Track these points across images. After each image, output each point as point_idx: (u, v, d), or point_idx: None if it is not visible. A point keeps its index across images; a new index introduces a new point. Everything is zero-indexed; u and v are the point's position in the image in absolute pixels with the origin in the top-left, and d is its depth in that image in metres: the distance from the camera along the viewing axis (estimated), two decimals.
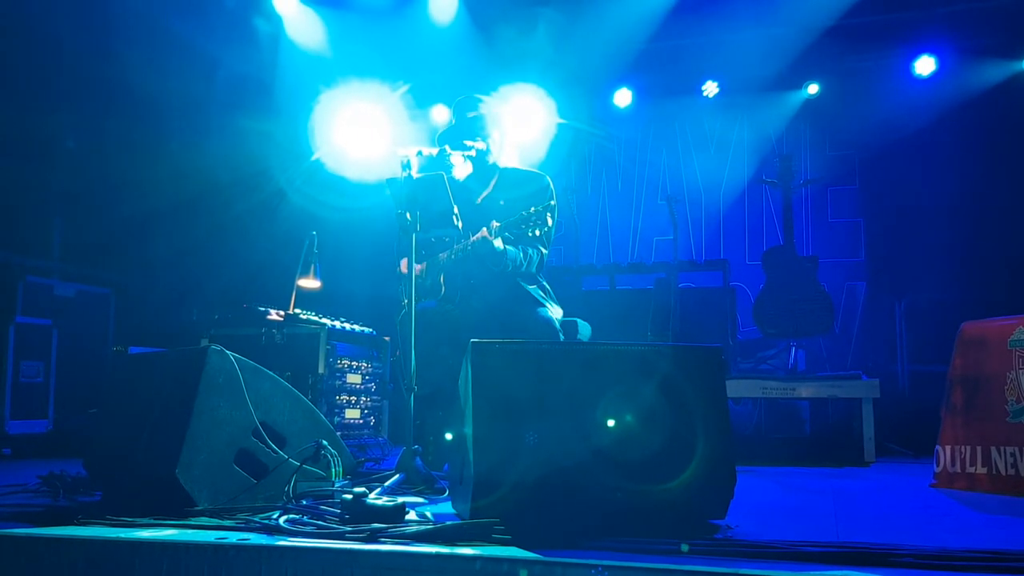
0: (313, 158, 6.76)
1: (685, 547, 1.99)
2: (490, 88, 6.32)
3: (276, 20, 6.75)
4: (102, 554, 2.13)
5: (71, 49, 6.35)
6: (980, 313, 3.57)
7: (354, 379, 4.78)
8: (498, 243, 3.64)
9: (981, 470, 3.31)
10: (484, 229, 3.69)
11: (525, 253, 3.85)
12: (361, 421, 4.82)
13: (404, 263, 3.91)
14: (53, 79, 6.38)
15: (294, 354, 4.48)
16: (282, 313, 4.61)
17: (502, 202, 3.94)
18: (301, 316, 4.62)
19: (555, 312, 3.92)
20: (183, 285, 6.61)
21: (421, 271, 4.01)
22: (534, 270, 3.93)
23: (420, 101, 7.08)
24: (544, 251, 3.95)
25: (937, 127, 6.12)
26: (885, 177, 6.40)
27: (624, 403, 2.41)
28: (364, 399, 4.87)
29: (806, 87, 6.57)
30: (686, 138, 7.11)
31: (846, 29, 6.18)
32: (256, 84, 6.78)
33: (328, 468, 2.92)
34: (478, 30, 6.57)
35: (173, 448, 2.63)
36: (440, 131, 4.13)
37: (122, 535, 2.19)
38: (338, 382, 4.62)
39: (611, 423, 2.39)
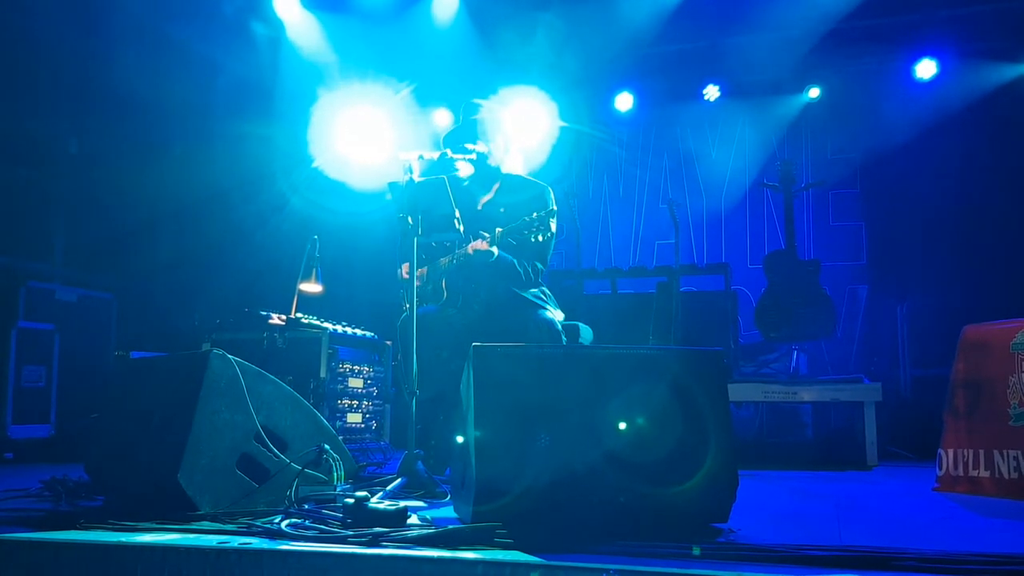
0: (315, 163, 6.77)
1: (697, 550, 1.98)
2: (491, 91, 6.35)
3: (277, 25, 6.76)
4: (104, 558, 2.13)
5: (73, 55, 6.37)
6: (982, 316, 3.56)
7: (356, 383, 4.78)
8: (494, 249, 3.66)
9: (984, 474, 3.31)
10: (482, 237, 3.69)
11: (524, 270, 3.86)
12: (363, 425, 4.82)
13: (405, 267, 3.91)
14: (55, 85, 6.40)
15: (296, 358, 4.48)
16: (284, 317, 4.61)
17: (503, 208, 3.94)
18: (303, 320, 4.62)
19: (556, 316, 3.91)
20: (185, 290, 6.61)
21: (422, 276, 4.01)
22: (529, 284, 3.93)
23: (422, 105, 7.09)
24: (541, 268, 3.97)
25: (939, 130, 6.11)
26: (887, 180, 6.39)
27: (625, 407, 2.41)
28: (366, 403, 4.87)
29: (807, 91, 6.57)
30: (687, 142, 7.11)
31: (847, 33, 6.17)
32: (257, 89, 6.80)
33: (330, 472, 2.91)
34: (479, 34, 6.58)
35: (175, 452, 2.63)
36: (442, 135, 4.14)
37: (124, 539, 2.19)
38: (340, 386, 4.62)
39: (613, 427, 2.38)
